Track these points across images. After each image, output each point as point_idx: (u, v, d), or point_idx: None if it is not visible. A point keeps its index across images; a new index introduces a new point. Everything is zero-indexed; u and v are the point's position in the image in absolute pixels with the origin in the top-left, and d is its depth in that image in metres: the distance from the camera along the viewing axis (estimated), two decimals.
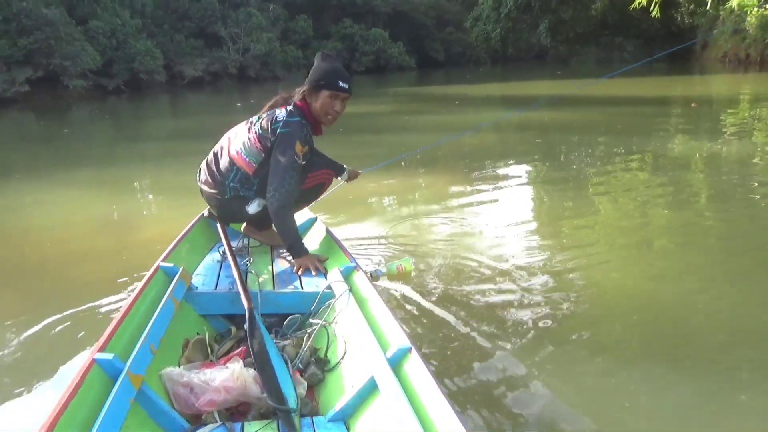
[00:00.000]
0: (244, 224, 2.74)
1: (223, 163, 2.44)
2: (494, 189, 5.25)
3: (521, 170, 6.32)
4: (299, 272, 2.32)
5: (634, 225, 4.06)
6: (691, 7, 27.36)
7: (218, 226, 2.50)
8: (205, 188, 2.52)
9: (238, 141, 2.42)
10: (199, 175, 2.57)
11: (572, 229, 4.08)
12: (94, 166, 7.98)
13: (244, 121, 2.50)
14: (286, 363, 1.76)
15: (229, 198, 2.44)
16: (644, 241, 3.74)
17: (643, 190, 4.97)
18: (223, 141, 2.51)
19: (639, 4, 16.74)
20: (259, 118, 2.44)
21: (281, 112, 2.39)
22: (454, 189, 5.31)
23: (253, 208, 2.43)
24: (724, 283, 3.03)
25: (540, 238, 3.91)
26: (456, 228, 4.12)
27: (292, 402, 1.53)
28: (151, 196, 6.02)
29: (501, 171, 6.28)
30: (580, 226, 4.14)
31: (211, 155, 2.52)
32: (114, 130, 14.00)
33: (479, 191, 5.16)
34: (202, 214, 2.76)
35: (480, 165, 6.68)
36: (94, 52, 25.63)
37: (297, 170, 2.31)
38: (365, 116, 13.08)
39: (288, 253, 2.46)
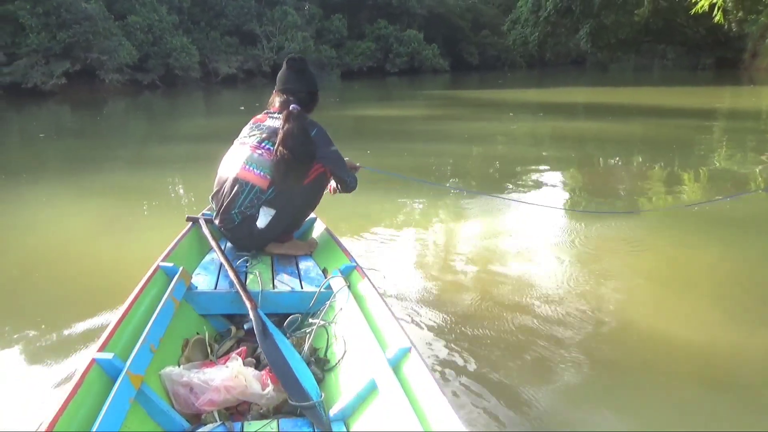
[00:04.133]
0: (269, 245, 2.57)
1: (229, 190, 2.35)
2: (525, 201, 4.94)
3: (556, 180, 6.03)
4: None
5: (674, 255, 3.66)
6: (740, 14, 26.32)
7: (203, 228, 2.46)
8: (217, 223, 2.46)
9: (239, 161, 2.37)
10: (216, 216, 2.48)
11: (594, 246, 3.78)
12: (106, 166, 7.84)
13: (235, 145, 2.44)
14: (300, 354, 1.74)
15: (239, 223, 2.37)
16: (683, 272, 3.43)
17: (688, 215, 4.50)
18: (222, 173, 2.42)
19: (701, 8, 15.84)
20: (251, 135, 2.40)
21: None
22: (483, 199, 5.02)
23: (262, 221, 2.37)
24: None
25: (560, 252, 3.69)
26: (476, 239, 4.02)
27: (315, 394, 1.53)
28: (156, 198, 5.78)
29: (535, 182, 5.94)
30: (606, 242, 3.85)
31: (215, 191, 2.44)
32: (143, 127, 13.99)
33: (508, 204, 4.84)
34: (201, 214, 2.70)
35: (513, 175, 6.38)
36: (130, 46, 25.94)
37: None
38: (398, 120, 12.79)
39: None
